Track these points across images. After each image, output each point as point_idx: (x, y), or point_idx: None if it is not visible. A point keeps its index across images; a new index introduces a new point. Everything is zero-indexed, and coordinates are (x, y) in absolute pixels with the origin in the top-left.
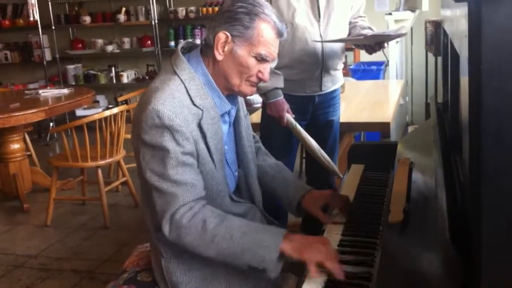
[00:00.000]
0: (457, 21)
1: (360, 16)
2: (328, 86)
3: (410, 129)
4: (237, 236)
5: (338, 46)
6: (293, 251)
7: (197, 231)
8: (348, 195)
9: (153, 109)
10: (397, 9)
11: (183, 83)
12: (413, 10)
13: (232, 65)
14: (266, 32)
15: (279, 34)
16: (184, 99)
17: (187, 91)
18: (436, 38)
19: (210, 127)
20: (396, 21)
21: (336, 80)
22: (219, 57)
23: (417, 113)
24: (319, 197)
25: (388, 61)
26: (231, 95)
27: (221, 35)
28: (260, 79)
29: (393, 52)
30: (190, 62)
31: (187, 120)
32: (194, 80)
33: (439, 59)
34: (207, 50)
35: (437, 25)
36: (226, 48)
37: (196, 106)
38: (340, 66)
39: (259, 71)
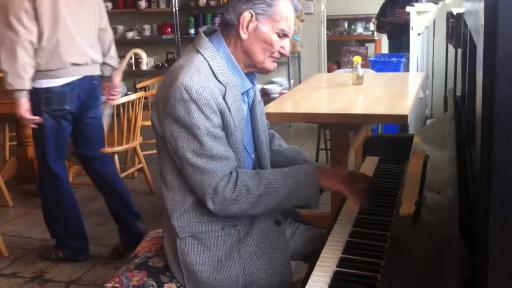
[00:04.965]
0: (475, 12)
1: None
2: None
3: (429, 122)
4: (279, 187)
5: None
6: (328, 184)
7: (243, 198)
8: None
9: (181, 83)
10: (420, 1)
11: (206, 60)
12: (436, 2)
13: (256, 43)
14: (287, 9)
15: (296, 9)
16: (209, 74)
17: (210, 68)
18: (457, 30)
19: (233, 103)
20: (419, 12)
21: None
22: (243, 36)
23: (437, 106)
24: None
25: (408, 53)
26: (250, 76)
27: (246, 14)
28: (282, 54)
29: (414, 44)
30: (212, 42)
31: (213, 93)
32: (216, 59)
33: (459, 51)
34: (228, 30)
35: (458, 17)
36: (250, 27)
37: (220, 82)
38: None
39: (281, 47)
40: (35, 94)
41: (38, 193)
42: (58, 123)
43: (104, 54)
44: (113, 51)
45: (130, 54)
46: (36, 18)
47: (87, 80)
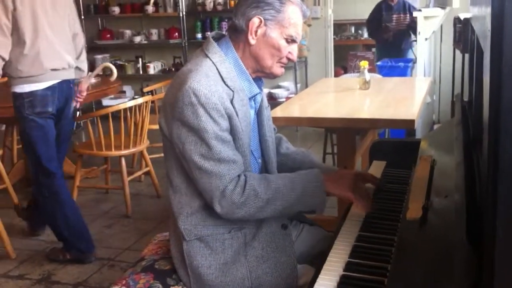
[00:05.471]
0: (482, 18)
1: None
2: None
3: (436, 127)
4: (287, 192)
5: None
6: (334, 191)
7: (251, 202)
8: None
9: (189, 87)
10: (427, 6)
11: (214, 65)
12: (443, 7)
13: (265, 48)
14: (295, 14)
15: (304, 15)
16: (217, 79)
17: (218, 72)
18: (464, 35)
19: (240, 108)
20: (426, 17)
21: None
22: (252, 41)
23: (444, 111)
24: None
25: (416, 58)
26: (258, 81)
27: (255, 20)
28: (289, 60)
29: (422, 49)
30: (220, 47)
31: (222, 97)
32: (224, 63)
33: (466, 56)
34: (236, 35)
35: (465, 22)
36: (259, 32)
37: (228, 87)
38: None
39: (289, 52)
40: (19, 99)
41: (36, 196)
42: (45, 124)
43: (76, 58)
44: (83, 56)
45: (101, 68)
46: (18, 29)
47: (65, 84)
